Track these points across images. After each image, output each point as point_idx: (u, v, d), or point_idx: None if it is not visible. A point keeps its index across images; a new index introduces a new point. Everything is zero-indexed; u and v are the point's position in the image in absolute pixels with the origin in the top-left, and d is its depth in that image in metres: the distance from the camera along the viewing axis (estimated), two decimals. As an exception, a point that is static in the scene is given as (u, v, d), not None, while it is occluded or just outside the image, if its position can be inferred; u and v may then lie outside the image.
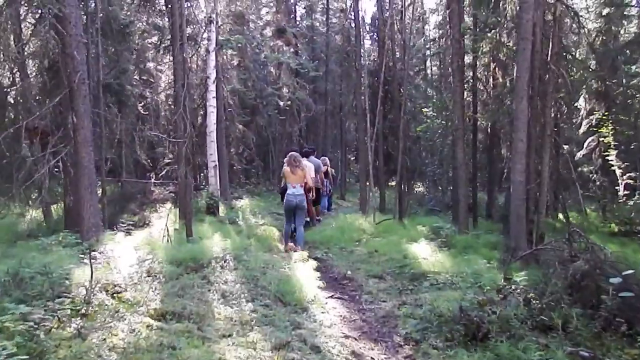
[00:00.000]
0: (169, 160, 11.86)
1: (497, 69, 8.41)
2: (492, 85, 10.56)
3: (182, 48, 9.97)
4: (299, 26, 22.40)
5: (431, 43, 19.98)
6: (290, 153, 8.61)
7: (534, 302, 4.57)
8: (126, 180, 11.45)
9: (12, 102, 7.29)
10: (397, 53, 13.32)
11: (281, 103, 17.96)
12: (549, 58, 6.99)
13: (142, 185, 13.27)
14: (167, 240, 6.79)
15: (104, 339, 3.72)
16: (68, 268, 4.67)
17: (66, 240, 5.41)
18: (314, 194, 9.68)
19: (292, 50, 19.52)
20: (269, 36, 20.58)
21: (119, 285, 4.85)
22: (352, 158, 28.55)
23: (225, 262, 6.49)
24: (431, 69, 22.65)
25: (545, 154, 7.08)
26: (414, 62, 20.27)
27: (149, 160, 12.21)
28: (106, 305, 4.40)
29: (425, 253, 7.17)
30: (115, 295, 4.70)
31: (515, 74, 6.66)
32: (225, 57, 17.07)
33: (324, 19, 22.62)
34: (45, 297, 3.99)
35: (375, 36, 19.51)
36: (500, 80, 8.38)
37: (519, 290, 5.08)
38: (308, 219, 9.91)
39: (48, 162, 6.08)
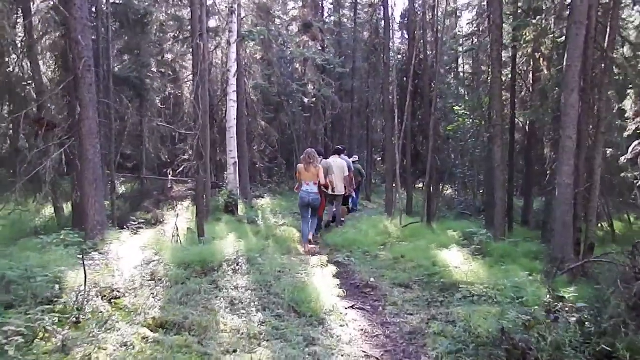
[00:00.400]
0: (187, 157, 11.47)
1: (542, 59, 7.63)
2: (531, 81, 9.78)
3: (201, 38, 9.56)
4: (326, 22, 21.90)
5: (464, 40, 19.11)
6: (307, 150, 8.52)
7: (589, 325, 3.88)
8: (143, 177, 11.13)
9: (23, 92, 7.02)
10: (429, 48, 12.61)
11: (306, 100, 17.44)
12: (606, 45, 6.20)
13: (162, 182, 12.96)
14: (177, 241, 6.33)
15: (89, 355, 3.25)
16: (61, 270, 4.23)
17: (68, 239, 4.99)
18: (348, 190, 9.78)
19: (318, 46, 19.01)
20: (295, 32, 20.12)
21: (117, 290, 4.40)
22: (379, 158, 27.83)
23: (237, 265, 6.01)
24: (463, 67, 21.75)
25: (598, 155, 6.31)
26: (445, 60, 19.44)
27: (167, 157, 11.85)
28: (101, 312, 3.96)
29: (457, 261, 6.51)
30: (112, 301, 4.25)
31: (565, 63, 5.93)
32: (248, 50, 16.70)
33: (352, 15, 22.05)
34: (27, 303, 3.55)
35: (404, 33, 18.77)
36: (545, 72, 7.61)
37: (569, 309, 4.40)
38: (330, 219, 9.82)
39: (52, 155, 5.71)
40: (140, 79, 10.59)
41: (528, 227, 10.42)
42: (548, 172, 7.48)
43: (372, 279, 6.44)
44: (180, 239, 6.45)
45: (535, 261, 6.35)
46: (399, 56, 18.54)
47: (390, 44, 11.48)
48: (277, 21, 19.65)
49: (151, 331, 3.85)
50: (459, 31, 22.63)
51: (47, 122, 5.93)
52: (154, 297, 4.42)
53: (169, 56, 12.33)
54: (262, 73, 17.86)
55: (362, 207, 18.28)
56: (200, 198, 7.32)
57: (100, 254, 5.16)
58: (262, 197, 14.65)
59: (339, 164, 9.82)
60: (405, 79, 12.31)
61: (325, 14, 22.96)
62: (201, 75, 9.61)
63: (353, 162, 13.74)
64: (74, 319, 3.69)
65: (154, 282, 4.81)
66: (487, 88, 14.10)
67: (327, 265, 6.78)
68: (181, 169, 11.11)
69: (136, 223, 7.26)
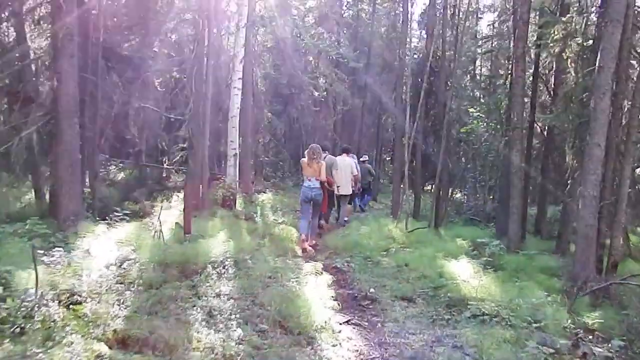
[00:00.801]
0: (185, 145, 10.95)
1: (569, 61, 6.98)
2: (553, 84, 9.10)
3: (206, 18, 9.03)
4: (343, 15, 21.28)
5: (483, 41, 18.38)
6: (311, 145, 8.41)
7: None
8: (140, 164, 10.62)
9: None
10: (447, 46, 11.90)
11: (316, 93, 16.84)
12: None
13: (159, 171, 12.46)
14: (159, 237, 5.80)
15: (22, 377, 2.72)
16: (13, 267, 3.71)
17: (35, 229, 4.47)
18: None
19: (333, 39, 18.36)
20: (311, 23, 19.50)
21: (78, 294, 3.87)
22: (388, 158, 27.16)
23: (223, 268, 5.47)
24: (480, 69, 20.97)
25: (627, 165, 5.66)
26: (462, 61, 18.72)
27: (165, 144, 11.32)
28: (53, 321, 3.42)
29: (466, 274, 5.91)
30: (70, 307, 3.72)
31: (597, 64, 5.30)
32: (258, 38, 16.14)
33: (371, 9, 21.35)
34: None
35: (422, 32, 18.07)
36: (573, 74, 6.96)
37: (595, 339, 3.81)
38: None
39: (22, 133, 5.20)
40: (142, 58, 10.03)
41: (540, 237, 9.76)
42: (569, 181, 6.83)
43: (371, 290, 5.87)
44: (163, 235, 5.90)
45: (552, 277, 5.73)
46: (415, 55, 17.90)
47: (407, 40, 10.83)
48: (294, 11, 19.08)
49: (109, 347, 3.32)
50: (479, 32, 21.89)
51: (23, 96, 5.43)
52: (120, 305, 3.89)
53: (173, 37, 11.76)
54: (272, 63, 17.32)
55: (369, 208, 17.67)
56: (188, 190, 6.78)
57: (67, 249, 4.62)
58: (264, 192, 14.11)
59: (347, 162, 9.73)
60: (420, 76, 11.61)
61: (344, 7, 22.33)
62: (199, 55, 9.07)
63: (363, 161, 13.62)
64: (18, 329, 3.16)
65: (123, 285, 4.27)
66: (505, 91, 13.46)
67: (322, 273, 6.17)
68: (177, 157, 10.55)
69: (120, 214, 6.73)
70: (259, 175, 15.35)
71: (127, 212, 6.85)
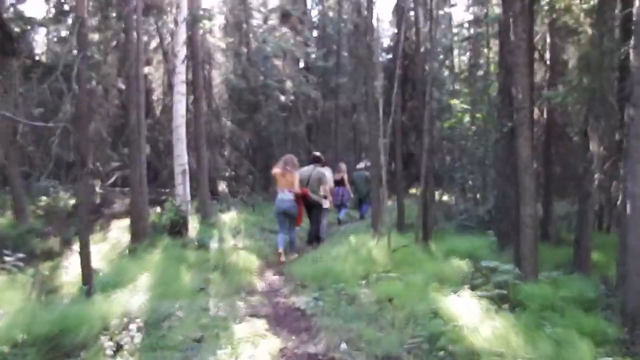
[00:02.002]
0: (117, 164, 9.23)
1: (582, 16, 5.46)
2: (551, 59, 7.66)
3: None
4: (307, 13, 19.84)
5: (459, 29, 17.08)
6: (286, 155, 8.20)
7: None
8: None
9: None
10: (421, 23, 10.44)
11: (282, 98, 15.25)
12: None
13: (106, 194, 10.70)
14: (39, 295, 4.09)
15: None
16: None
17: None
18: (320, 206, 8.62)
19: (298, 38, 16.87)
20: (274, 25, 18.00)
21: None
22: (369, 163, 25.76)
23: (127, 336, 3.79)
24: (459, 60, 19.64)
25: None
26: (438, 51, 17.35)
27: (98, 164, 9.58)
28: None
29: (472, 314, 4.30)
30: None
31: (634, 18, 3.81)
32: (208, 35, 14.50)
33: (337, 7, 19.94)
34: None
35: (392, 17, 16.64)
36: (589, 31, 5.44)
37: None
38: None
39: None
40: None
41: (548, 242, 8.23)
42: (597, 176, 5.32)
43: (342, 346, 4.23)
44: (43, 290, 4.19)
45: (594, 312, 4.15)
46: (385, 37, 16.43)
47: (374, 22, 9.33)
48: (255, 14, 17.58)
49: None
50: (453, 20, 20.64)
51: None
52: None
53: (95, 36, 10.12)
54: (232, 67, 15.73)
55: (348, 219, 16.11)
56: (84, 225, 5.08)
57: None
58: (228, 211, 12.40)
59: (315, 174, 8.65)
60: (392, 62, 10.04)
61: (308, 6, 20.91)
62: (131, 53, 7.44)
63: (360, 168, 12.77)
64: None
65: None
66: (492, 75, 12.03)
67: (265, 336, 4.44)
68: (113, 178, 8.79)
69: (13, 259, 5.01)
70: (223, 192, 13.64)
71: (21, 257, 5.09)
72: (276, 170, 7.95)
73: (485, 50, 15.41)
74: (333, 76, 17.79)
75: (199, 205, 10.94)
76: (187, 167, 8.95)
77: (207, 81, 11.34)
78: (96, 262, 6.21)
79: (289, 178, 7.71)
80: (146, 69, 11.53)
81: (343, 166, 12.46)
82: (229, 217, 11.66)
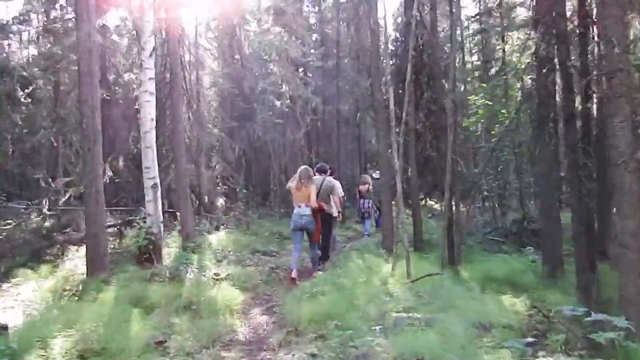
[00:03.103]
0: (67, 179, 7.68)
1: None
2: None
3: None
4: (307, 14, 18.51)
5: (469, 22, 15.60)
6: (301, 167, 7.70)
7: None
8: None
9: None
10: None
11: (278, 103, 13.76)
12: None
13: (71, 215, 9.14)
14: None
15: None
16: None
17: None
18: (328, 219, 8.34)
19: (294, 38, 15.44)
20: (268, 27, 16.62)
21: None
22: (374, 174, 24.14)
23: None
24: (470, 55, 18.08)
25: None
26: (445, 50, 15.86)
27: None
28: None
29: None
30: None
31: None
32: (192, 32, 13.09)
33: (336, 7, 18.56)
34: None
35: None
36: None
37: None
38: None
39: None
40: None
41: (609, 264, 6.55)
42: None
43: None
44: None
45: None
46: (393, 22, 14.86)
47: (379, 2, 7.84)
48: (248, 16, 16.23)
49: None
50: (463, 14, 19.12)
51: None
52: None
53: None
54: (222, 71, 14.30)
55: (353, 233, 14.49)
56: None
57: None
58: (216, 231, 10.82)
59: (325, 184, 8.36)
60: (402, 47, 8.40)
61: (305, 8, 19.55)
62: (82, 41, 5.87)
63: (377, 178, 11.85)
64: None
65: None
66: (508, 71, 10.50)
67: None
68: (67, 196, 7.19)
69: None
70: (212, 209, 12.06)
71: None
72: (291, 184, 7.57)
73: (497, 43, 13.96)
74: (333, 79, 16.32)
75: (182, 224, 9.38)
76: (158, 180, 7.39)
77: (189, 82, 9.85)
78: (23, 308, 4.63)
79: (306, 192, 7.28)
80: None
81: (368, 177, 12.17)
82: (217, 238, 10.08)
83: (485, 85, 9.84)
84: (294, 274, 7.07)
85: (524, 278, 5.93)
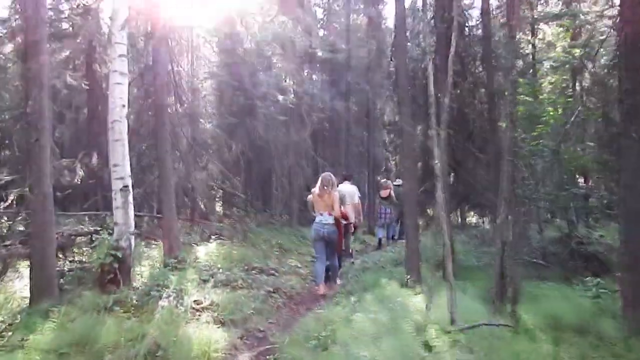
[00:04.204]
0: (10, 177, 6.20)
1: None
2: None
3: None
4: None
5: None
6: (322, 174, 7.32)
7: None
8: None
9: None
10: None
11: (280, 97, 12.30)
12: None
13: None
14: None
15: None
16: None
17: None
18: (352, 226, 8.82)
19: (300, 29, 14.00)
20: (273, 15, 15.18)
21: None
22: (382, 180, 22.58)
23: None
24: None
25: None
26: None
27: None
28: None
29: None
30: None
31: None
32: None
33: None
34: None
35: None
36: None
37: None
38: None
39: None
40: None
41: None
42: None
43: None
44: None
45: None
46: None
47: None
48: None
49: None
50: None
51: None
52: None
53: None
54: (221, 62, 12.86)
55: (364, 246, 13.00)
56: None
57: None
58: (208, 242, 9.33)
59: (349, 191, 8.75)
60: (441, 12, 6.69)
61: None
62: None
63: (397, 185, 11.63)
64: None
65: None
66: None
67: None
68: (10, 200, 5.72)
69: None
70: (205, 215, 10.56)
71: None
72: (313, 191, 7.24)
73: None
74: (343, 72, 14.84)
75: (164, 234, 7.90)
76: (129, 182, 5.92)
77: (177, 68, 8.38)
78: None
79: (328, 199, 6.96)
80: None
81: (389, 182, 11.99)
82: (206, 251, 8.59)
83: (523, 80, 8.28)
84: (322, 290, 6.90)
85: (602, 325, 4.42)
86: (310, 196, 7.39)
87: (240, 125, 12.67)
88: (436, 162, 4.45)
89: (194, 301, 5.62)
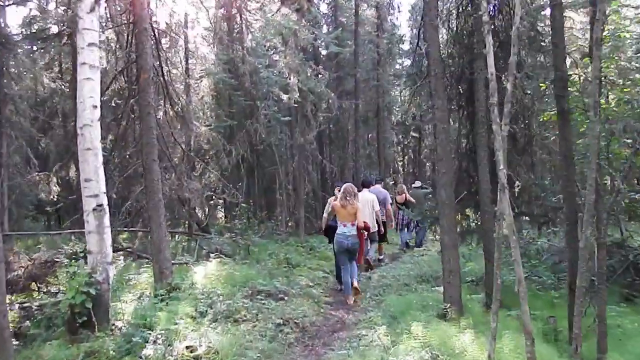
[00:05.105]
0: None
1: None
2: None
3: None
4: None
5: None
6: (344, 184, 7.37)
7: None
8: None
9: None
10: None
11: (285, 97, 11.19)
12: None
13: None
14: None
15: None
16: None
17: None
18: (382, 228, 9.39)
19: (304, 21, 12.89)
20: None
21: None
22: (392, 182, 21.41)
23: None
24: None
25: None
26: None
27: None
28: None
29: None
30: None
31: None
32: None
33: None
34: None
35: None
36: None
37: None
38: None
39: None
40: None
41: None
42: None
43: None
44: None
45: None
46: None
47: None
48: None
49: None
50: None
51: None
52: None
53: None
54: (219, 62, 11.76)
55: (395, 251, 11.86)
56: None
57: None
58: (207, 262, 8.21)
59: (367, 198, 8.73)
60: None
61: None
62: None
63: (416, 187, 12.03)
64: None
65: None
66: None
67: None
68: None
69: None
70: (209, 227, 9.41)
71: None
72: (335, 202, 7.29)
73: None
74: (350, 70, 13.73)
75: (153, 257, 6.77)
76: (104, 199, 4.81)
77: (165, 63, 7.24)
78: None
79: (352, 209, 6.98)
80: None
81: (404, 187, 11.99)
82: (205, 273, 7.44)
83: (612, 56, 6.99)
84: (351, 301, 6.98)
85: None
86: (329, 206, 7.50)
87: (240, 128, 11.56)
88: (501, 168, 3.31)
89: (187, 347, 4.49)
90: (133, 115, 6.85)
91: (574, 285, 4.08)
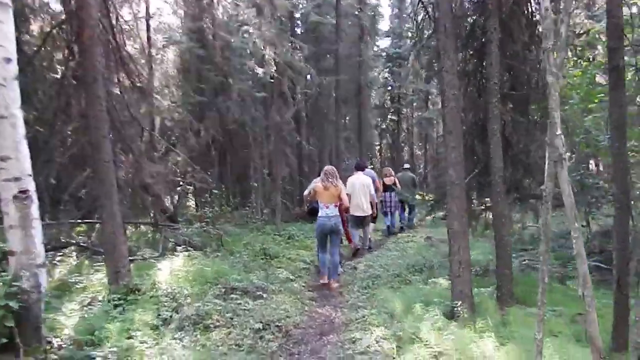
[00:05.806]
0: None
1: None
2: None
3: None
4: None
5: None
6: (325, 167, 7.47)
7: None
8: None
9: None
10: None
11: (260, 72, 10.11)
12: None
13: None
14: None
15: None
16: None
17: None
18: (375, 210, 9.37)
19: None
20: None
21: None
22: (371, 167, 20.60)
23: None
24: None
25: None
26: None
27: None
28: None
29: None
30: None
31: None
32: None
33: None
34: None
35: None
36: None
37: None
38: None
39: None
40: None
41: None
42: None
43: None
44: None
45: None
46: None
47: None
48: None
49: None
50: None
51: None
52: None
53: None
54: (186, 31, 10.56)
55: (382, 236, 11.23)
56: None
57: None
58: (173, 255, 7.20)
59: (362, 181, 8.90)
60: None
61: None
62: None
63: (405, 169, 12.10)
64: None
65: None
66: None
67: None
68: None
69: None
70: (176, 216, 8.35)
71: None
72: (317, 184, 7.21)
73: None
74: (331, 43, 12.70)
75: (106, 254, 5.70)
76: (31, 185, 3.76)
77: (114, 14, 6.04)
78: None
79: (335, 191, 6.98)
80: None
81: (390, 169, 11.69)
82: (170, 270, 6.42)
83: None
84: (328, 282, 7.06)
85: None
86: (309, 190, 7.40)
87: (210, 105, 10.45)
88: (558, 132, 2.46)
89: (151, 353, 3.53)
90: (75, 82, 5.70)
91: (622, 280, 3.30)
